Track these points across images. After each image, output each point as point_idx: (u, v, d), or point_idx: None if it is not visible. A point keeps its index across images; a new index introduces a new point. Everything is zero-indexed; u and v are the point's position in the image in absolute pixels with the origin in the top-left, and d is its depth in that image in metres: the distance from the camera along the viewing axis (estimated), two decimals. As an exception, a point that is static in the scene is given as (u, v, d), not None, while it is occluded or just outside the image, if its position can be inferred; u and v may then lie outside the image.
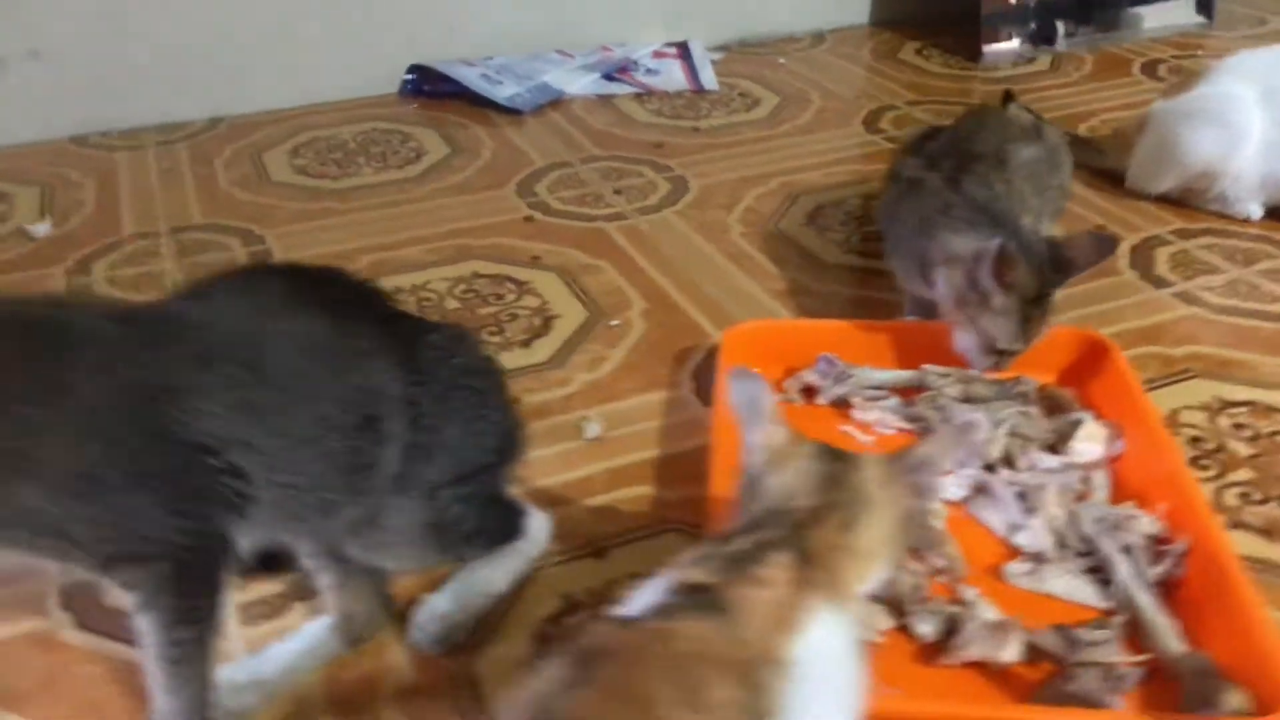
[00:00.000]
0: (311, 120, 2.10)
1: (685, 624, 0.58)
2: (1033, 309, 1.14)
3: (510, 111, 2.11)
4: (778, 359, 1.26)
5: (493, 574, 0.96)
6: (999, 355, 1.17)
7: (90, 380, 0.73)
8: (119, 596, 0.80)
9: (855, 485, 0.72)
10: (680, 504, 1.09)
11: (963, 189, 1.24)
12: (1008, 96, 1.83)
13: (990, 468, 1.09)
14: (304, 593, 0.98)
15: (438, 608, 0.93)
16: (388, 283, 1.50)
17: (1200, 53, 2.42)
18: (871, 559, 0.72)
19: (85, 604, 0.98)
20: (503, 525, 0.96)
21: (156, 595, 0.77)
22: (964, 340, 1.19)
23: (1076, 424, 1.12)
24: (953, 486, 1.07)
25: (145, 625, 0.78)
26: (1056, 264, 1.15)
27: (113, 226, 1.70)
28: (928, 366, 1.21)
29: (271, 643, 0.92)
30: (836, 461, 0.74)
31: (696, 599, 0.60)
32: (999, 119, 1.39)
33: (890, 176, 1.39)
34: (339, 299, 0.88)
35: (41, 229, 1.67)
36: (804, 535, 0.67)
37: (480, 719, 0.86)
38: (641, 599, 0.66)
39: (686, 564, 0.67)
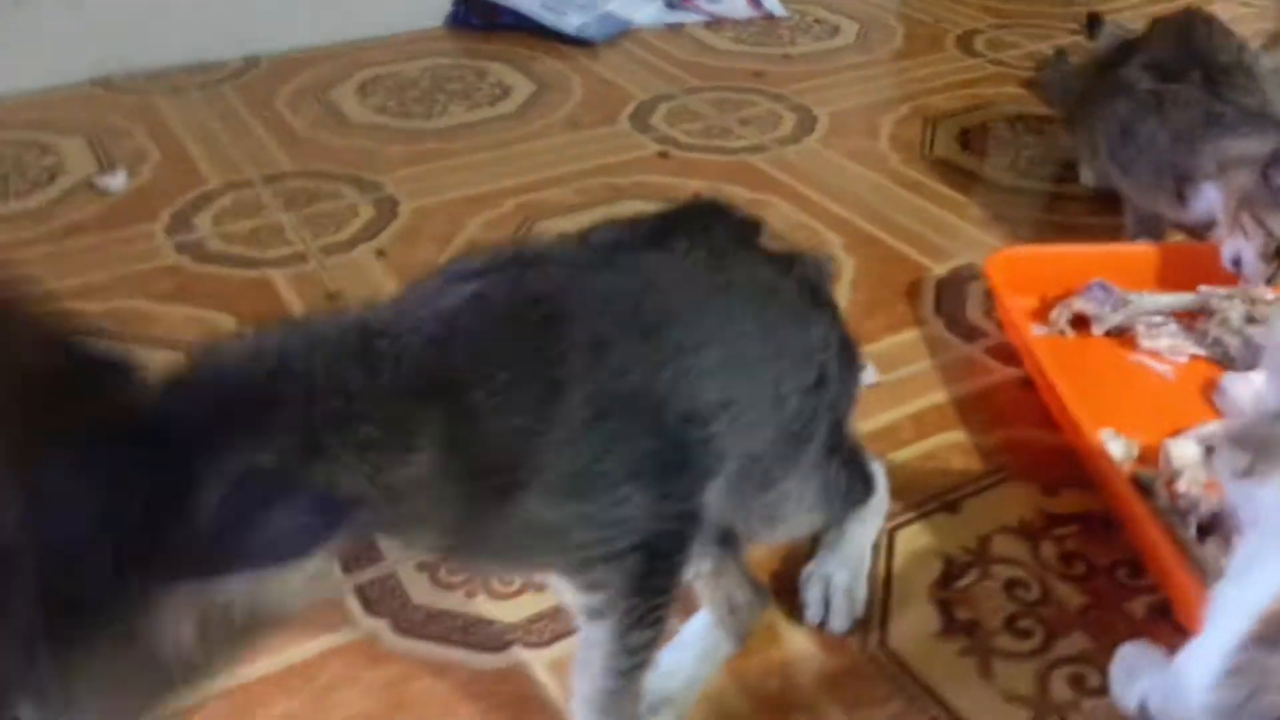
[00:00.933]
0: (362, 58, 1.89)
1: None
2: None
3: (578, 43, 1.95)
4: (1036, 286, 1.17)
5: (865, 534, 0.85)
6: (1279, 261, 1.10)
7: (585, 367, 0.60)
8: (575, 605, 0.66)
9: None
10: (1003, 449, 1.00)
11: (1227, 97, 1.17)
12: (1092, 20, 1.77)
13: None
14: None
15: (840, 582, 0.81)
16: (549, 226, 1.37)
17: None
18: None
19: (394, 606, 0.83)
20: (865, 478, 0.85)
21: (620, 595, 0.64)
22: (1241, 250, 1.12)
23: (1378, 340, 1.07)
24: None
25: (597, 633, 0.66)
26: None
27: (192, 177, 1.49)
28: (1205, 288, 1.14)
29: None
30: None
31: None
32: (1221, 29, 1.32)
33: (1107, 93, 1.30)
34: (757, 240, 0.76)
35: (116, 182, 1.46)
36: None
37: (928, 703, 0.76)
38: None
39: None
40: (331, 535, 0.44)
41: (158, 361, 1.10)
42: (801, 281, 0.77)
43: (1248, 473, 0.69)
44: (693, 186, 1.47)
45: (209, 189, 1.46)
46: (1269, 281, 1.12)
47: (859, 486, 0.84)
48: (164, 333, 1.16)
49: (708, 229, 0.73)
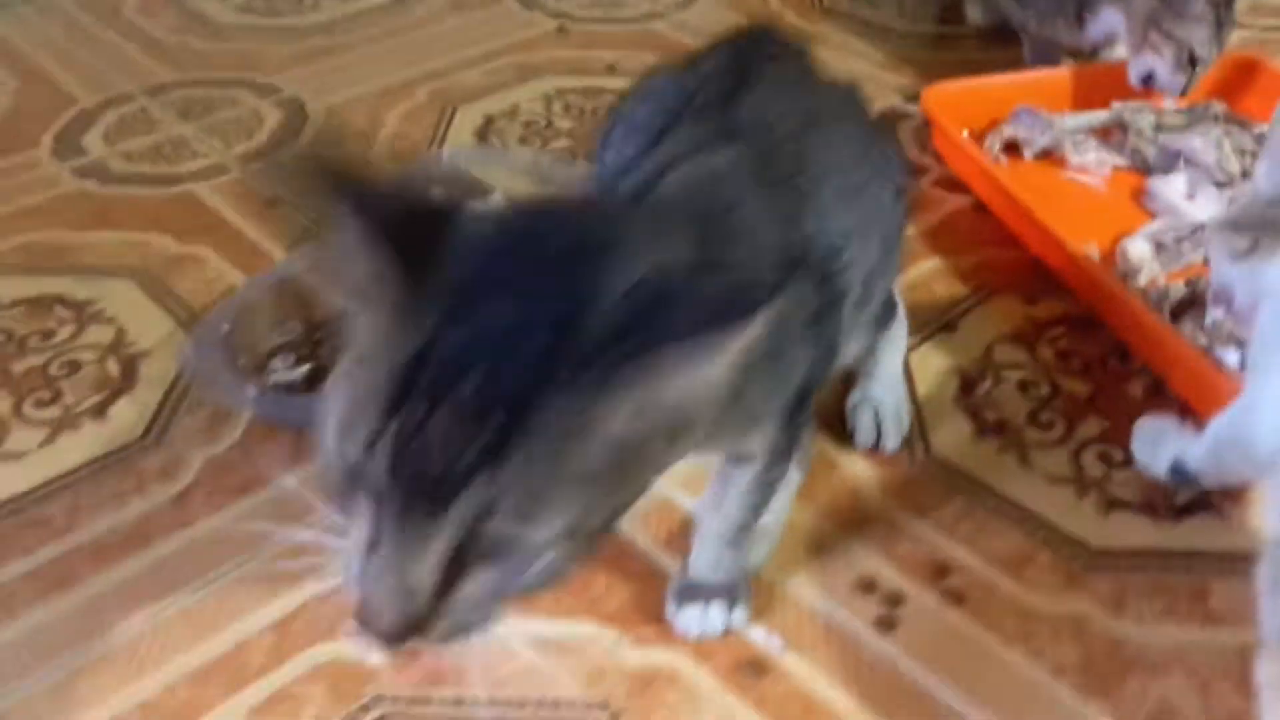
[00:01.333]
0: (201, -44, 1.75)
1: None
2: (1223, 13, 1.18)
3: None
4: (966, 118, 1.23)
5: (898, 355, 0.90)
6: (1191, 69, 1.20)
7: (763, 255, 0.60)
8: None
9: None
10: (978, 270, 1.06)
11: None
12: None
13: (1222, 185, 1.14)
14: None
15: (889, 405, 0.86)
16: (470, 111, 1.34)
17: None
18: None
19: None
20: (889, 297, 0.89)
21: (769, 439, 0.65)
22: (1154, 66, 1.20)
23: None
24: (1213, 205, 1.10)
25: (739, 474, 0.67)
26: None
27: (60, 98, 1.37)
28: (1117, 103, 1.23)
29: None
30: None
31: None
32: None
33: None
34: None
35: (-23, 111, 1.32)
36: None
37: (985, 495, 0.82)
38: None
39: None
40: (748, 320, 0.44)
41: (114, 292, 1.03)
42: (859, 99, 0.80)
43: (1250, 252, 0.77)
44: (604, 59, 1.45)
45: (85, 108, 1.34)
46: (1183, 93, 1.22)
47: (891, 302, 0.89)
48: (100, 261, 1.08)
49: (775, 59, 0.73)
